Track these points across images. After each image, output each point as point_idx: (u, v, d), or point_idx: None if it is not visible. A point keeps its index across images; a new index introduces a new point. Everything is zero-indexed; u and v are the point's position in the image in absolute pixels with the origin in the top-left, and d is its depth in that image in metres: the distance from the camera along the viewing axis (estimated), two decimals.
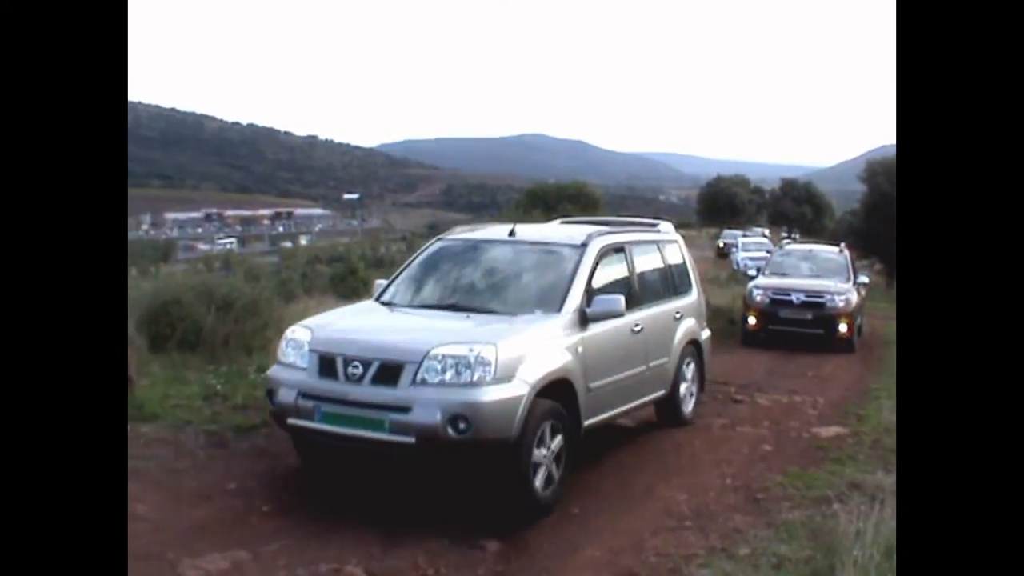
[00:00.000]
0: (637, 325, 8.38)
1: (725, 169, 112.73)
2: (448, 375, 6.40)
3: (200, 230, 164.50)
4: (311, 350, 6.94)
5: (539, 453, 6.68)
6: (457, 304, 7.73)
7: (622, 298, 7.81)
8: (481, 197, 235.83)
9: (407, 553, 6.03)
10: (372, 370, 6.57)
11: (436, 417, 6.23)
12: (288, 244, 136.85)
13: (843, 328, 16.74)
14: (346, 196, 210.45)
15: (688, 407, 9.81)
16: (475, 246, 8.65)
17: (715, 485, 7.32)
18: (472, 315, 7.37)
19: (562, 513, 6.77)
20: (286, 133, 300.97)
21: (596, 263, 8.04)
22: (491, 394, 6.32)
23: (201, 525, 6.34)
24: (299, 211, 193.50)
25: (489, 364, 6.36)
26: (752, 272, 19.89)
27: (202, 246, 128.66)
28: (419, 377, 6.44)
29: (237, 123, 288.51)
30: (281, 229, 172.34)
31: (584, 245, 8.09)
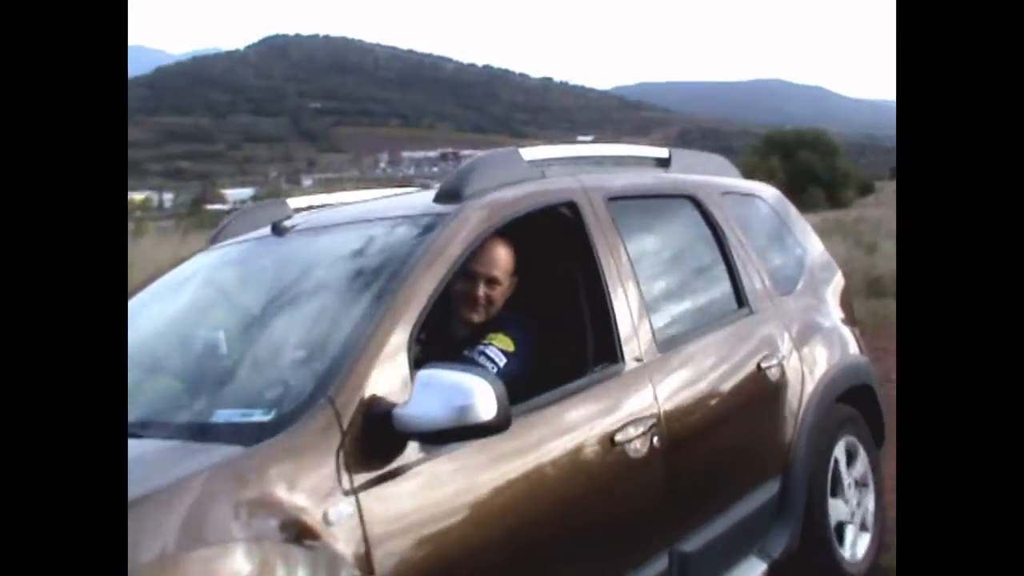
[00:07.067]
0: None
1: None
2: None
3: (436, 169, 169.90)
4: None
5: None
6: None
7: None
8: (716, 142, 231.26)
9: None
10: None
11: None
12: None
13: None
14: (580, 139, 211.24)
15: None
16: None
17: None
18: None
19: None
20: (521, 75, 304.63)
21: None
22: None
23: None
24: None
25: None
26: None
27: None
28: None
29: (473, 64, 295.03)
30: None
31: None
